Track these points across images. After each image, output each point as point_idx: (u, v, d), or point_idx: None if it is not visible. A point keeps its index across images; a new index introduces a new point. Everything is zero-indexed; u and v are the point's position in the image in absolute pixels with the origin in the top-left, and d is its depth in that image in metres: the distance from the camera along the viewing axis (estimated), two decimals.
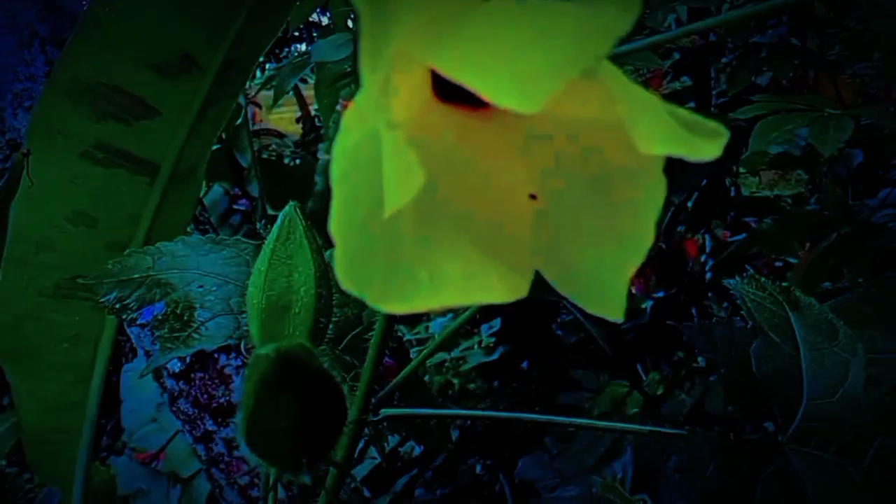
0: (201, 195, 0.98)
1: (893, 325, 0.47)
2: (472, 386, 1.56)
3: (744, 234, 1.22)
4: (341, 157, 0.18)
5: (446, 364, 1.61)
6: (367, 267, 0.19)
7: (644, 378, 1.25)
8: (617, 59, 0.19)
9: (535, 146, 0.21)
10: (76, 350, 0.75)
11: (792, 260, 1.14)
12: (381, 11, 0.16)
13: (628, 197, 0.21)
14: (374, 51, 0.16)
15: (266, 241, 0.35)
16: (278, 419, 0.24)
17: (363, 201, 0.19)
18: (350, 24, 1.02)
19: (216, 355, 0.88)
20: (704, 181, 1.13)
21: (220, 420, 0.89)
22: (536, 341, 1.27)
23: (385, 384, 0.41)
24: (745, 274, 0.42)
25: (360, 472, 1.20)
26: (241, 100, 1.32)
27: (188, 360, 0.87)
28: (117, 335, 0.77)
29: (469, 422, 1.17)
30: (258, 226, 1.36)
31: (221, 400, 0.89)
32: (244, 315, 0.39)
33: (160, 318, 0.40)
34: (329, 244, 0.19)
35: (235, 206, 1.49)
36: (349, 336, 0.43)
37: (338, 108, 1.09)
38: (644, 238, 0.21)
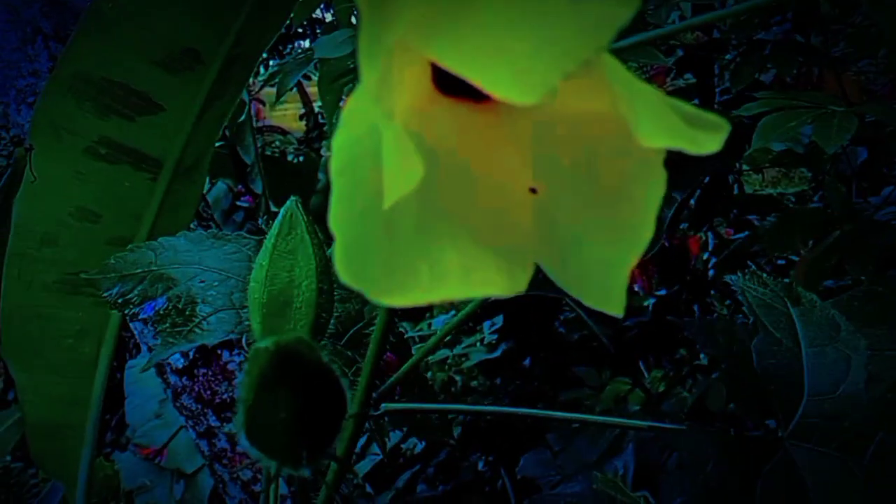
0: (204, 192, 0.98)
1: (895, 323, 0.47)
2: (474, 383, 1.57)
3: (746, 232, 1.22)
4: (341, 149, 0.18)
5: (448, 361, 1.61)
6: (366, 260, 0.19)
7: (646, 375, 1.25)
8: (619, 54, 0.19)
9: (535, 139, 0.21)
10: (80, 345, 0.75)
11: (794, 258, 1.14)
12: (381, 3, 0.16)
13: (628, 190, 0.21)
14: (373, 42, 0.16)
15: (268, 236, 0.35)
16: (277, 412, 0.24)
17: (363, 194, 0.19)
18: (353, 20, 1.02)
19: (219, 351, 0.89)
20: (707, 178, 1.12)
21: (222, 416, 0.89)
22: (538, 339, 1.27)
23: (387, 380, 0.41)
24: (746, 270, 0.42)
25: (363, 468, 1.20)
26: (245, 96, 1.32)
27: (191, 356, 0.87)
28: (121, 331, 0.77)
29: (470, 418, 1.17)
30: (260, 221, 1.37)
31: (224, 396, 0.89)
32: (246, 310, 0.40)
33: (162, 312, 0.40)
34: (331, 241, 0.19)
35: (239, 203, 1.49)
36: (351, 331, 0.43)
37: (341, 104, 1.09)
38: (644, 232, 0.21)
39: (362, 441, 1.18)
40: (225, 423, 0.90)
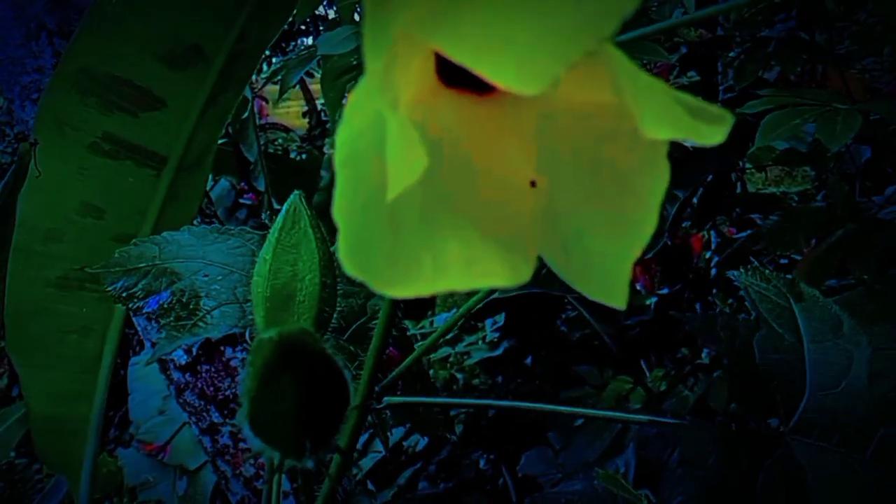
0: (208, 189, 0.98)
1: None
2: (476, 381, 1.57)
3: (749, 231, 1.22)
4: (345, 141, 0.18)
5: (451, 359, 1.61)
6: (369, 251, 0.19)
7: (647, 374, 1.25)
8: (623, 50, 0.19)
9: (538, 131, 0.21)
10: (84, 341, 0.76)
11: (797, 257, 1.14)
12: None
13: (631, 182, 0.21)
14: (377, 33, 0.16)
15: (271, 231, 0.35)
16: (280, 403, 0.24)
17: (366, 185, 0.19)
18: (356, 17, 1.02)
19: (222, 348, 0.89)
20: (710, 177, 1.12)
21: (225, 412, 0.90)
22: (540, 337, 1.27)
23: (389, 374, 0.41)
24: (749, 266, 0.42)
25: (365, 465, 1.20)
26: (248, 93, 1.32)
27: (194, 352, 0.87)
28: (124, 327, 0.77)
29: (472, 416, 1.17)
30: (264, 216, 1.37)
31: (227, 392, 0.89)
32: (249, 304, 0.40)
33: (166, 306, 0.40)
34: (335, 237, 0.19)
35: (242, 200, 1.49)
36: (354, 326, 0.44)
37: (344, 101, 1.09)
38: (647, 224, 0.21)
39: (364, 438, 1.19)
40: (228, 420, 0.90)
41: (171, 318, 0.39)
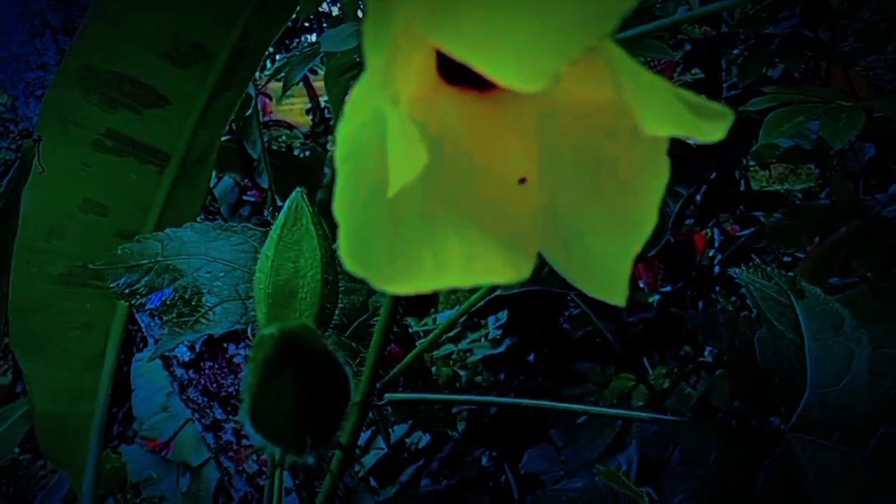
0: (211, 186, 0.99)
1: None
2: (478, 378, 1.57)
3: (752, 229, 1.22)
4: (346, 138, 0.18)
5: (453, 356, 1.61)
6: (370, 247, 0.19)
7: (650, 372, 1.25)
8: (626, 47, 0.19)
9: (539, 128, 0.21)
10: (87, 338, 0.76)
11: (800, 255, 1.14)
12: None
13: (632, 178, 0.21)
14: (379, 29, 0.17)
15: (273, 227, 0.35)
16: (282, 399, 0.24)
17: (367, 182, 0.19)
18: (360, 14, 1.02)
19: (225, 344, 0.89)
20: (713, 174, 1.12)
21: (228, 409, 0.90)
22: (543, 334, 1.27)
23: (391, 370, 0.41)
24: (751, 263, 0.42)
25: (367, 462, 1.21)
26: (251, 90, 1.32)
27: (197, 349, 0.88)
28: (128, 324, 0.78)
29: (475, 413, 1.17)
30: (266, 213, 1.37)
31: (230, 389, 0.90)
32: (252, 300, 0.40)
33: (168, 303, 0.40)
34: (337, 234, 0.19)
35: (245, 198, 1.49)
36: (355, 323, 0.44)
37: (347, 98, 1.09)
38: (647, 221, 0.21)
39: (367, 436, 1.19)
40: (231, 416, 0.90)
41: (174, 315, 0.39)
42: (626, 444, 0.69)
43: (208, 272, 0.41)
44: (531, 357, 1.27)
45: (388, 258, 0.19)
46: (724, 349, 0.38)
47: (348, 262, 0.19)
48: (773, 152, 1.21)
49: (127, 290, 0.40)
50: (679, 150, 0.20)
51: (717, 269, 1.27)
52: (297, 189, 0.35)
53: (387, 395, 0.39)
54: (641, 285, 1.36)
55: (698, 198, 1.19)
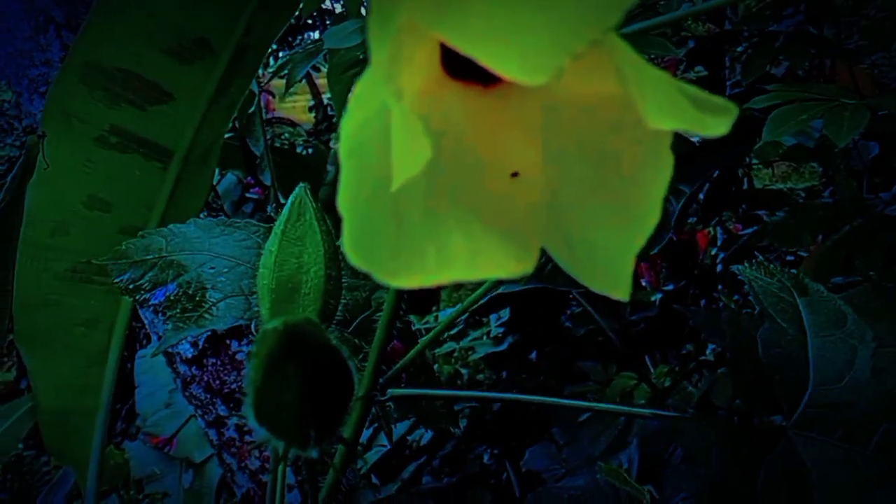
0: (214, 183, 0.99)
1: None
2: (480, 376, 1.57)
3: (755, 227, 1.21)
4: (350, 132, 0.19)
5: (455, 354, 1.61)
6: (374, 242, 0.19)
7: (652, 370, 1.25)
8: (630, 42, 0.19)
9: (542, 122, 0.21)
10: (91, 334, 0.76)
11: (803, 253, 1.13)
12: None
13: (635, 173, 0.21)
14: (382, 23, 0.17)
15: (276, 223, 0.35)
16: (285, 392, 0.24)
17: (371, 176, 0.19)
18: (363, 11, 1.02)
19: (228, 341, 0.89)
20: (717, 172, 1.12)
21: (231, 405, 0.90)
22: (545, 332, 1.27)
23: (393, 366, 0.42)
24: (753, 260, 0.42)
25: (369, 459, 1.21)
26: (255, 88, 1.32)
27: (200, 345, 0.88)
28: (131, 321, 0.78)
29: (476, 410, 1.17)
30: (269, 209, 1.37)
31: (233, 385, 0.90)
32: (255, 296, 0.40)
33: (172, 298, 0.40)
34: (339, 229, 0.19)
35: (248, 195, 1.50)
36: (358, 319, 0.44)
37: (351, 93, 1.09)
38: (650, 216, 0.21)
39: (369, 432, 1.19)
40: (234, 413, 0.91)
41: (178, 310, 0.39)
42: (627, 442, 0.69)
43: (212, 268, 0.41)
44: (533, 355, 1.27)
45: (391, 252, 0.20)
46: (727, 346, 0.38)
47: (352, 257, 0.19)
48: (776, 150, 1.21)
49: (131, 286, 0.40)
50: (682, 148, 0.21)
51: (719, 267, 1.27)
52: (301, 185, 0.35)
53: (389, 390, 0.39)
54: (644, 284, 1.36)
55: (701, 196, 1.19)
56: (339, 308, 0.37)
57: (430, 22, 0.16)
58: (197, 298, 0.39)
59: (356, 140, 0.19)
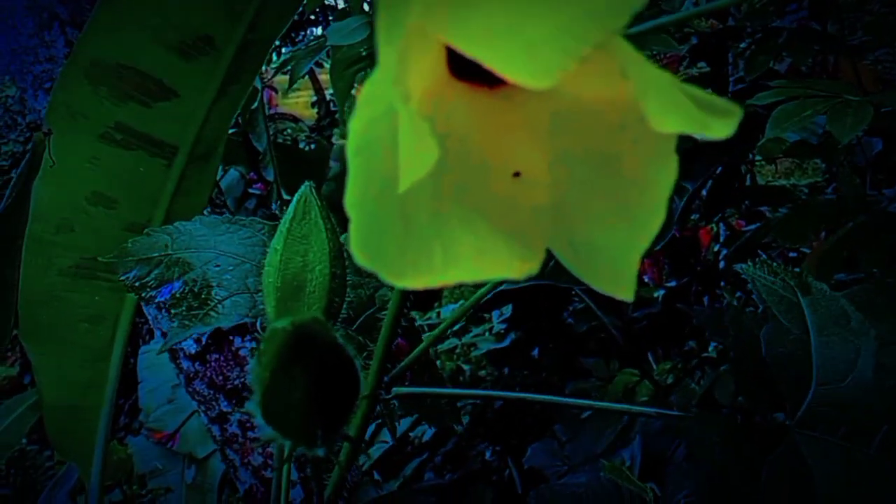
0: (217, 179, 0.99)
1: None
2: (482, 373, 1.57)
3: (758, 224, 1.21)
4: (358, 132, 0.19)
5: (457, 350, 1.62)
6: (381, 242, 0.19)
7: (654, 367, 1.25)
8: (633, 41, 0.19)
9: (548, 124, 0.21)
10: (95, 330, 0.76)
11: (806, 250, 1.13)
12: None
13: (640, 175, 0.21)
14: (390, 25, 0.17)
15: (282, 221, 0.36)
16: (294, 392, 0.24)
17: (378, 176, 0.19)
18: (366, 7, 1.02)
19: (231, 337, 0.89)
20: (720, 169, 1.11)
21: (234, 401, 0.90)
22: (547, 329, 1.27)
23: (397, 365, 0.42)
24: (757, 259, 0.42)
25: (372, 455, 1.21)
26: (258, 84, 1.32)
27: (203, 341, 0.88)
28: (135, 316, 0.78)
29: (479, 407, 1.17)
30: (274, 206, 1.37)
31: (236, 381, 0.90)
32: (260, 294, 0.40)
33: (178, 296, 0.40)
34: (344, 228, 0.19)
35: (251, 191, 1.50)
36: (363, 317, 0.44)
37: (353, 92, 1.10)
38: (655, 217, 0.21)
39: (372, 428, 1.19)
40: (236, 409, 0.91)
41: (183, 308, 0.39)
42: (629, 440, 0.69)
43: (217, 266, 0.41)
44: (535, 352, 1.27)
45: (398, 252, 0.20)
46: (731, 345, 0.38)
47: (359, 257, 0.19)
48: (779, 147, 1.21)
49: (137, 284, 0.41)
50: (685, 145, 0.21)
51: (722, 264, 1.27)
52: (306, 183, 0.36)
53: (394, 388, 0.39)
54: (646, 280, 1.36)
55: (704, 193, 1.18)
56: (344, 306, 0.37)
57: (436, 26, 0.17)
58: (203, 296, 0.40)
59: (364, 139, 0.19)
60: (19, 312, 0.74)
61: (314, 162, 1.50)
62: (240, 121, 1.39)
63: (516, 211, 0.22)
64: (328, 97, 2.18)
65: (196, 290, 0.40)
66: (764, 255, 1.17)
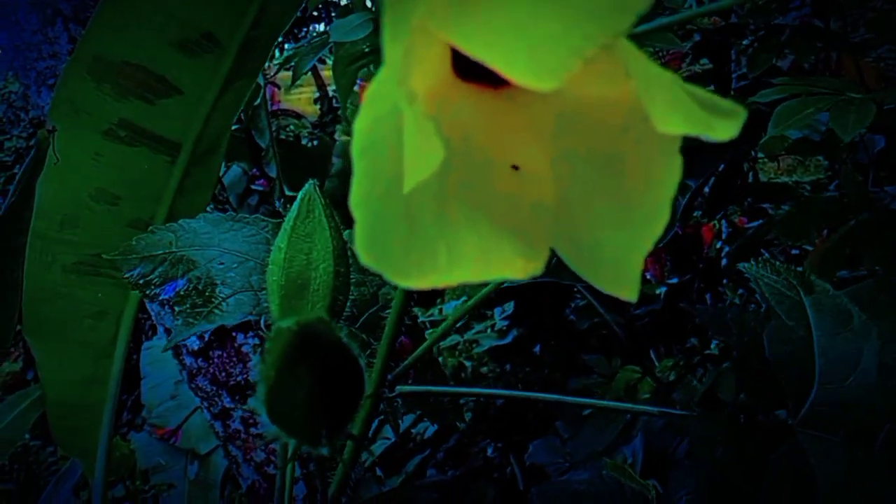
0: (220, 175, 0.99)
1: None
2: (484, 369, 1.58)
3: (760, 221, 1.21)
4: (363, 131, 0.19)
5: (459, 347, 1.62)
6: (386, 242, 0.19)
7: (656, 364, 1.25)
8: (636, 39, 0.19)
9: (551, 124, 0.21)
10: (99, 326, 0.77)
11: (809, 247, 1.13)
12: None
13: (644, 175, 0.21)
14: (396, 25, 0.17)
15: (286, 219, 0.36)
16: (299, 391, 0.24)
17: (383, 176, 0.19)
18: (369, 3, 1.02)
19: (234, 334, 0.90)
20: (722, 166, 1.11)
21: (237, 397, 0.91)
22: (549, 325, 1.27)
23: (401, 362, 0.42)
24: (759, 258, 0.42)
25: (375, 451, 1.21)
26: (260, 80, 1.32)
27: (207, 338, 0.88)
28: (138, 313, 0.78)
29: (481, 404, 1.18)
30: (277, 204, 1.37)
31: (239, 378, 0.90)
32: (264, 292, 0.40)
33: (182, 293, 0.40)
34: (347, 224, 0.19)
35: (253, 187, 1.50)
36: (366, 315, 0.44)
37: (355, 88, 1.09)
38: (658, 217, 0.21)
39: (375, 424, 1.19)
40: (239, 405, 0.91)
41: (187, 306, 0.40)
42: (632, 437, 0.69)
43: (221, 263, 0.41)
44: (537, 348, 1.27)
45: (402, 253, 0.20)
46: (733, 344, 0.38)
47: (363, 257, 0.19)
48: (781, 144, 1.20)
49: (141, 281, 0.41)
50: (688, 142, 0.21)
51: (724, 261, 1.27)
52: (310, 181, 0.36)
53: (397, 387, 0.39)
54: (648, 277, 1.36)
55: (706, 190, 1.18)
56: (347, 304, 0.37)
57: (440, 26, 0.17)
58: (207, 294, 0.40)
59: (369, 139, 0.19)
60: (23, 309, 0.74)
61: (317, 158, 1.50)
62: (242, 117, 1.39)
63: (520, 211, 0.22)
64: (331, 94, 2.18)
65: (200, 287, 0.40)
66: (766, 253, 1.17)
